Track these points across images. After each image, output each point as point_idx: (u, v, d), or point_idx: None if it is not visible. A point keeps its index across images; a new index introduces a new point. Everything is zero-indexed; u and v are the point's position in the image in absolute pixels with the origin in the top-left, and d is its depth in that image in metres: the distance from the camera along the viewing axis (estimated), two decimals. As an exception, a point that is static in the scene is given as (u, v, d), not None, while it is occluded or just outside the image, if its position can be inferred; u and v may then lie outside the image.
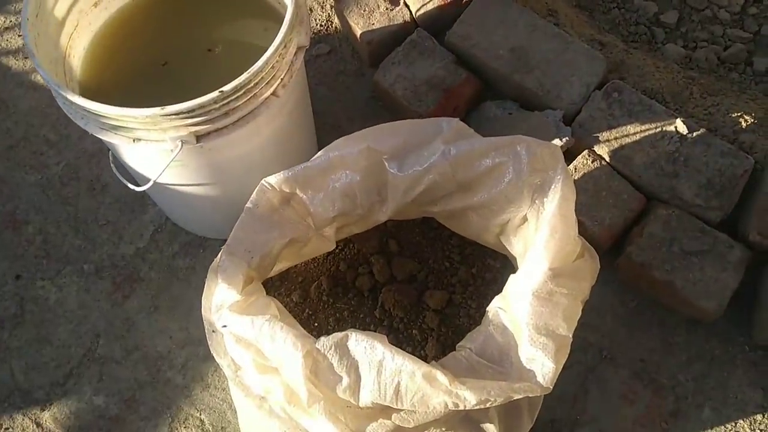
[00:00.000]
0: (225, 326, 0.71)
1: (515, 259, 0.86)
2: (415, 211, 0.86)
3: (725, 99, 1.20)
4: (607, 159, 1.11)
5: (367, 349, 0.67)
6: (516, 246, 0.81)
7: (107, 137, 0.86)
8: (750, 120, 1.15)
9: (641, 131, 1.11)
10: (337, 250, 0.98)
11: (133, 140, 0.84)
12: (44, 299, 1.13)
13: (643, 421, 1.02)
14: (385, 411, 0.71)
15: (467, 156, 0.74)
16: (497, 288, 0.93)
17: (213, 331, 0.83)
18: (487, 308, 0.74)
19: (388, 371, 0.66)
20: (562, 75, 1.16)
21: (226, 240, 1.08)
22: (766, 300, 1.02)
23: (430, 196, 0.80)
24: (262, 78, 0.83)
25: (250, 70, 0.80)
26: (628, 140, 1.11)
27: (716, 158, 1.08)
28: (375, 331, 0.91)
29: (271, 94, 0.86)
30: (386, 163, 0.77)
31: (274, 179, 0.81)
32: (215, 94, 0.79)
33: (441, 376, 0.65)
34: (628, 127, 1.11)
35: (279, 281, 0.96)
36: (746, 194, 1.08)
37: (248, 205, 0.80)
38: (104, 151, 1.22)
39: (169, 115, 0.79)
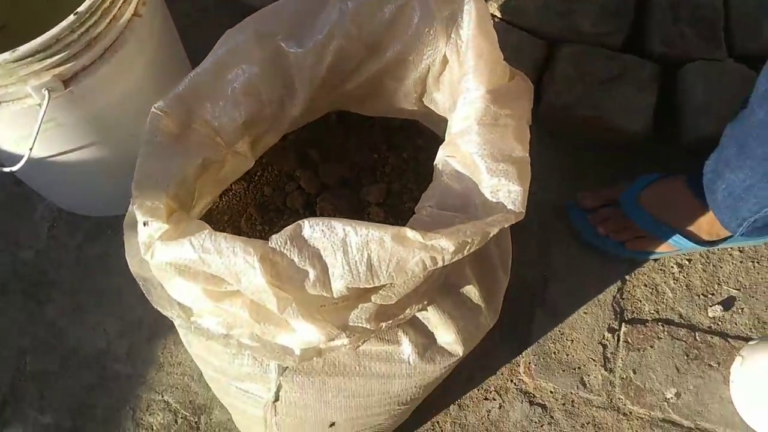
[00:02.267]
0: (162, 260, 0.62)
1: (445, 121, 0.81)
2: (328, 99, 0.78)
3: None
4: (500, 15, 1.08)
5: (326, 231, 0.60)
6: (442, 101, 0.76)
7: (-41, 111, 0.74)
8: (621, -57, 1.14)
9: (524, -21, 1.08)
10: (256, 177, 0.90)
11: (-10, 104, 0.73)
12: (-52, 335, 0.99)
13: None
14: (363, 295, 0.65)
15: (367, 6, 0.67)
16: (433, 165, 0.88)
17: (150, 284, 0.74)
18: (435, 163, 0.69)
19: (354, 247, 0.60)
20: None
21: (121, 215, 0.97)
22: (685, 104, 1.02)
23: (340, 71, 0.73)
24: (117, -6, 0.73)
25: (103, -16, 0.70)
26: (513, -9, 1.08)
27: (602, -16, 1.07)
28: (323, 244, 0.84)
29: (133, 14, 0.77)
30: (283, 44, 0.70)
31: (163, 102, 0.71)
32: (71, 18, 0.69)
33: (411, 233, 0.59)
34: (510, -22, 1.08)
35: (204, 226, 0.88)
36: (640, 12, 1.08)
37: (145, 137, 0.71)
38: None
39: (24, 58, 0.68)
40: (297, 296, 0.61)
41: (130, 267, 0.74)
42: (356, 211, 0.87)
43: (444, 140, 0.90)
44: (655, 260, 1.00)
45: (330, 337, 0.63)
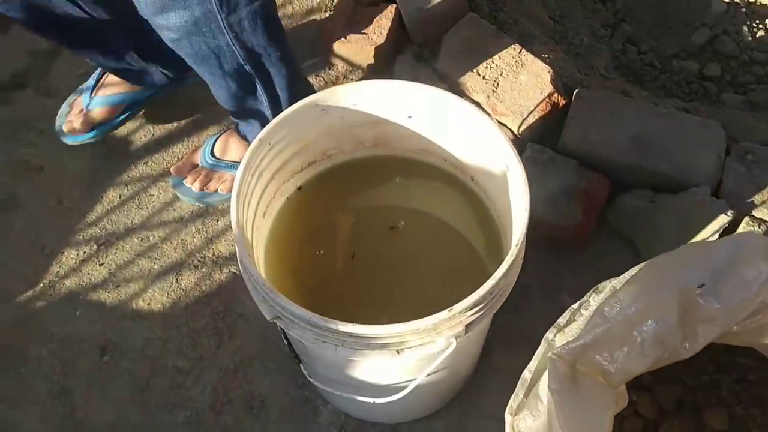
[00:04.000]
0: None
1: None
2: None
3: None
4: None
5: None
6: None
7: (360, 356, 0.75)
8: None
9: (790, 184, 1.12)
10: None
11: (397, 351, 0.75)
12: None
13: None
14: None
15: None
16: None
17: None
18: None
19: None
20: (689, 151, 1.16)
21: (418, 419, 0.96)
22: None
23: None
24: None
25: (517, 241, 0.74)
26: (782, 196, 1.11)
27: None
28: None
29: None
30: (701, 300, 0.72)
31: (564, 350, 0.73)
32: (497, 277, 0.72)
33: None
34: (776, 183, 1.12)
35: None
36: None
37: (552, 386, 0.72)
38: (247, 360, 1.10)
39: (455, 314, 0.71)
40: None
41: None
42: (701, 437, 0.86)
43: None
44: None
45: None
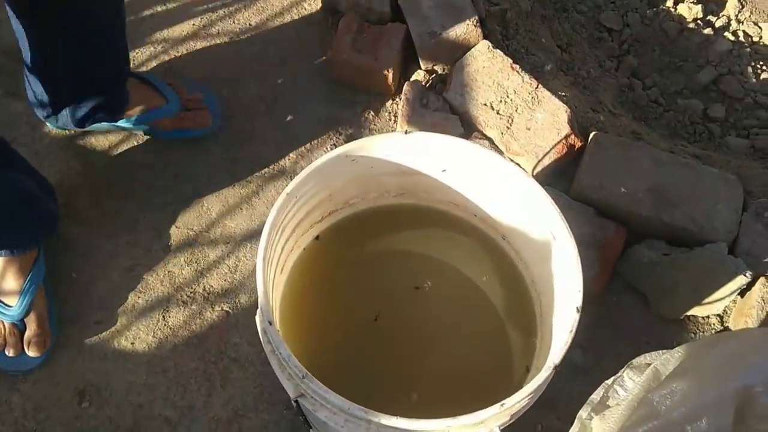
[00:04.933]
0: None
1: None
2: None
3: None
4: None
5: None
6: None
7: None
8: None
9: (809, 245, 1.10)
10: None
11: (437, 442, 0.69)
12: None
13: None
14: None
15: None
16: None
17: None
18: None
19: None
20: (708, 205, 1.13)
21: None
22: None
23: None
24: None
25: (571, 328, 0.69)
26: (800, 258, 1.09)
27: None
28: None
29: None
30: (761, 399, 0.68)
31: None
32: (550, 368, 0.67)
33: None
34: (794, 244, 1.10)
35: None
36: None
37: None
38: (241, 411, 1.02)
39: (507, 408, 0.65)
40: None
41: None
42: None
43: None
44: None
45: None
